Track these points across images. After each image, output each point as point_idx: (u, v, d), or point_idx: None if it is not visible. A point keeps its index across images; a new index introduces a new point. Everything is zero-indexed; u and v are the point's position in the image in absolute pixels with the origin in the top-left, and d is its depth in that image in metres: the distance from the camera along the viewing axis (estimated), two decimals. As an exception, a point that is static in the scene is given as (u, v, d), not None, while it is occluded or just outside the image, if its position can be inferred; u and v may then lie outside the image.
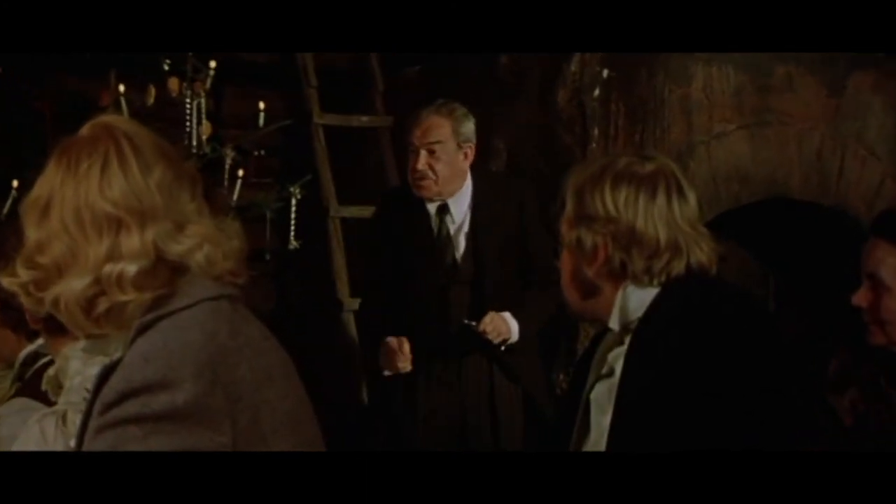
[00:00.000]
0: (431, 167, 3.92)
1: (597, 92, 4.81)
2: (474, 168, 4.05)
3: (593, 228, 2.07)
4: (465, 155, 3.98)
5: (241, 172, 5.01)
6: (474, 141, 4.01)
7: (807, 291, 5.50)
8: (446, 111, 3.98)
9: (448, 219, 3.99)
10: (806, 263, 5.53)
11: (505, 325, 3.85)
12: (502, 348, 3.88)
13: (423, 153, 3.92)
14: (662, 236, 2.05)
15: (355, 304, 5.17)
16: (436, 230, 3.99)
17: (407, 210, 4.01)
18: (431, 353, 3.94)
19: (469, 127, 4.00)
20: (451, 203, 3.98)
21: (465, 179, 4.00)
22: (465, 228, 3.99)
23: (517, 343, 3.90)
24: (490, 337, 3.81)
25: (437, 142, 3.92)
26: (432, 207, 3.99)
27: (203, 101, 4.95)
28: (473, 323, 3.83)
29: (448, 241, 3.98)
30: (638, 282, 2.07)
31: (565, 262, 2.16)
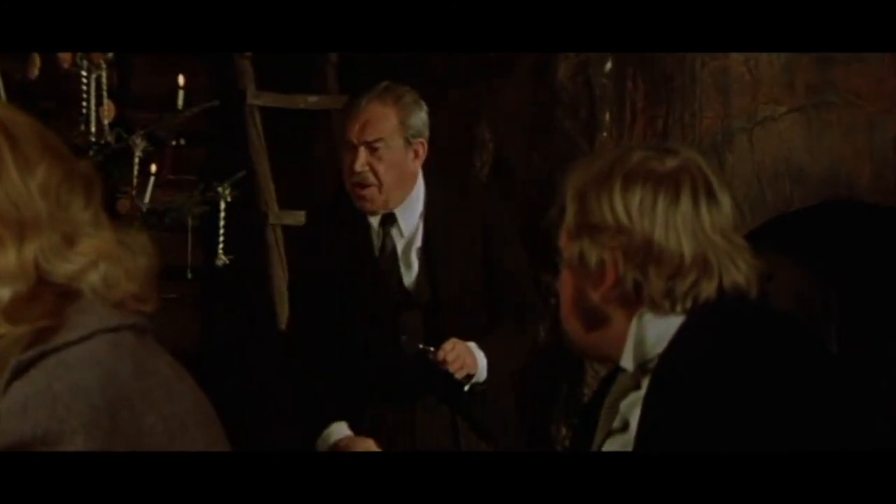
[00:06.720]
0: (373, 169, 3.91)
1: (608, 65, 4.84)
2: (426, 169, 4.05)
3: (600, 241, 2.08)
4: (416, 153, 3.98)
5: (154, 167, 5.02)
6: (427, 135, 4.00)
7: (876, 318, 5.53)
8: (391, 98, 3.96)
9: (394, 231, 4.00)
10: (875, 282, 5.56)
11: (470, 357, 3.85)
12: (466, 388, 3.89)
13: (363, 151, 3.90)
14: (687, 250, 2.06)
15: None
16: (378, 246, 4.00)
17: (342, 220, 4.02)
18: (378, 399, 3.97)
19: (420, 117, 4.00)
20: (399, 212, 3.99)
21: (414, 183, 4.01)
22: (418, 243, 4.00)
23: (485, 385, 3.91)
24: (451, 369, 3.82)
25: (380, 138, 3.92)
26: (374, 219, 3.99)
27: (104, 74, 4.93)
28: (431, 349, 3.85)
29: (394, 258, 4.00)
30: (657, 308, 2.08)
31: (565, 284, 2.17)
